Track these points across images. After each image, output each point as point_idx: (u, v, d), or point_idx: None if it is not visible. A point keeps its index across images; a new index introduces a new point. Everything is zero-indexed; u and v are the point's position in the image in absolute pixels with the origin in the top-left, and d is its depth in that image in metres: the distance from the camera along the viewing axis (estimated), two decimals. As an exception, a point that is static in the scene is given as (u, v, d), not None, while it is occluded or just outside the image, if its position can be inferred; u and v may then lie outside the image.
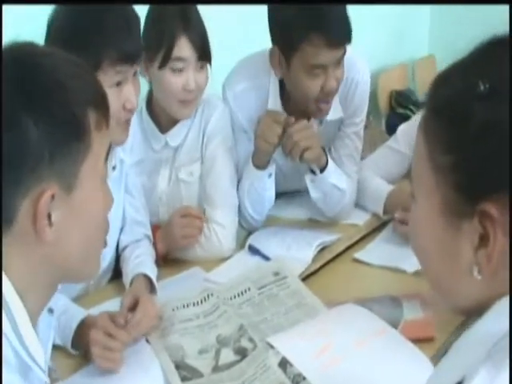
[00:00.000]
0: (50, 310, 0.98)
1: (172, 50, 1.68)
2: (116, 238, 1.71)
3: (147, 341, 1.41)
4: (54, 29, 1.41)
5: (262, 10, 1.78)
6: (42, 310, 0.93)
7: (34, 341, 0.87)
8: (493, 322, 0.72)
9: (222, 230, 1.79)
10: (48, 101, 0.83)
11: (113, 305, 1.54)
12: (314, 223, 2.00)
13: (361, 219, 1.98)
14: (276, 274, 1.56)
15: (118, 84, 1.39)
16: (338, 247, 1.80)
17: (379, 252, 1.79)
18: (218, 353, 1.33)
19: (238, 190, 1.88)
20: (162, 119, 1.84)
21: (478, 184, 0.70)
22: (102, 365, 1.31)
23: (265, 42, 1.81)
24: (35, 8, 1.80)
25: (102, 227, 0.95)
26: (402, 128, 2.07)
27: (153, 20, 1.70)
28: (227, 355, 1.32)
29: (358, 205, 2.04)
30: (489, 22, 4.61)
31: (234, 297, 1.49)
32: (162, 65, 1.69)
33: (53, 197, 0.83)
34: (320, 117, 1.85)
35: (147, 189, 1.84)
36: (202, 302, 1.48)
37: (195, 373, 1.29)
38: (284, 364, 1.24)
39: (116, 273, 1.73)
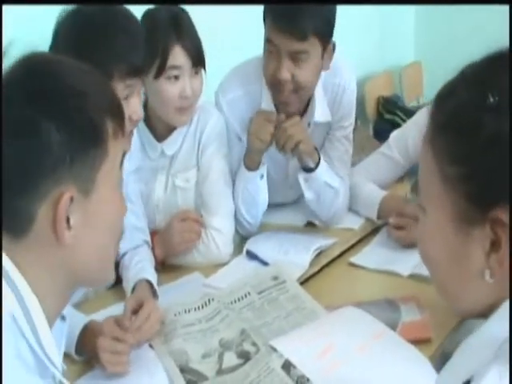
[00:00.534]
0: (63, 317, 0.99)
1: (167, 60, 1.70)
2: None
3: (150, 346, 1.43)
4: (60, 42, 1.42)
5: (258, 12, 1.81)
6: (57, 315, 0.95)
7: (51, 343, 0.89)
8: (499, 324, 0.75)
9: (219, 235, 1.82)
10: (68, 106, 0.86)
11: (113, 311, 1.55)
12: (310, 229, 2.03)
13: (355, 223, 2.01)
14: (275, 278, 1.59)
15: (126, 97, 1.42)
16: (334, 251, 1.83)
17: (374, 256, 1.82)
18: (221, 356, 1.36)
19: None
20: (157, 128, 1.86)
21: (489, 192, 0.73)
22: (111, 369, 1.33)
23: (259, 45, 1.83)
24: (35, 8, 1.82)
25: (116, 232, 0.97)
26: (395, 135, 2.10)
27: (146, 31, 1.72)
28: (230, 359, 1.34)
29: (352, 210, 2.07)
30: (474, 29, 4.68)
31: (235, 301, 1.51)
32: (158, 75, 1.71)
33: (71, 199, 0.86)
34: (284, 110, 1.82)
35: (144, 196, 1.86)
36: (203, 306, 1.50)
37: (200, 376, 1.31)
38: (287, 366, 1.26)
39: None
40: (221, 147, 1.89)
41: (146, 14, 1.75)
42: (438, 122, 0.80)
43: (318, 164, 1.87)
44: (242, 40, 2.32)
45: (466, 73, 0.79)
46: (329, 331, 1.34)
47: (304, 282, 1.68)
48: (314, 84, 1.82)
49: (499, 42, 0.79)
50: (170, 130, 1.86)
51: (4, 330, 0.82)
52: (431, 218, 0.81)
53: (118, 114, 0.93)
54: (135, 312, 1.44)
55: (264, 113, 1.83)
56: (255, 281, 1.58)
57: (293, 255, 1.76)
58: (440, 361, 1.42)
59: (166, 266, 1.81)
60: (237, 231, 1.94)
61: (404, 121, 3.89)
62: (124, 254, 1.72)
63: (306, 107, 1.92)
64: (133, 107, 1.43)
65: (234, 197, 1.91)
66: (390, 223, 1.88)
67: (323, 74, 1.85)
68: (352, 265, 1.80)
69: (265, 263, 1.75)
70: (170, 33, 1.70)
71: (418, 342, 1.35)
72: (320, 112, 1.91)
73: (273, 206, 2.03)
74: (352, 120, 2.02)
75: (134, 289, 1.58)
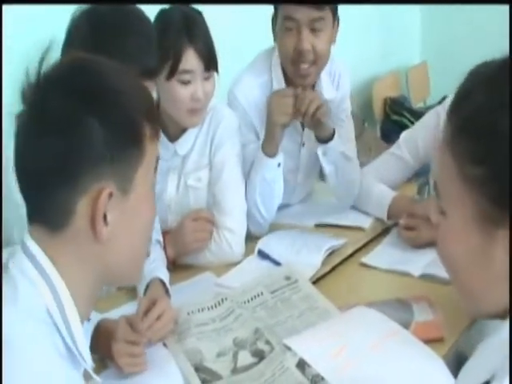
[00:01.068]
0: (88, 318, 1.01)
1: (179, 63, 1.71)
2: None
3: (164, 345, 1.44)
4: (73, 41, 1.43)
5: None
6: (88, 313, 0.96)
7: (83, 340, 0.90)
8: None
9: (232, 235, 1.82)
10: (111, 104, 0.88)
11: (125, 310, 1.55)
12: (321, 229, 2.04)
13: (365, 222, 2.03)
14: (287, 278, 1.59)
15: None
16: (345, 251, 1.84)
17: (385, 256, 1.83)
18: (235, 355, 1.36)
19: (246, 192, 1.92)
20: (169, 128, 1.87)
21: (510, 194, 0.73)
22: (130, 371, 1.34)
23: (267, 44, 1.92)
24: (35, 8, 1.82)
25: (148, 234, 1.00)
26: (404, 135, 2.11)
27: (158, 32, 1.73)
28: (245, 357, 1.35)
29: (362, 210, 2.09)
30: (480, 30, 4.68)
31: (248, 301, 1.52)
32: (170, 77, 1.72)
33: (110, 195, 0.87)
34: (302, 82, 1.93)
35: (156, 196, 1.86)
36: (216, 306, 1.51)
37: (214, 375, 1.32)
38: (302, 365, 1.27)
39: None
40: (234, 147, 1.90)
41: (160, 15, 1.76)
42: (456, 124, 0.80)
43: (333, 134, 1.95)
44: (253, 39, 2.33)
45: (481, 74, 0.80)
46: (342, 331, 1.35)
47: (316, 281, 1.69)
48: (329, 55, 1.94)
49: (504, 43, 0.80)
50: (183, 130, 1.87)
51: (38, 323, 0.84)
52: (452, 219, 0.81)
53: (154, 117, 0.95)
54: (148, 312, 1.45)
55: (280, 90, 1.93)
56: (268, 280, 1.59)
57: (305, 255, 1.77)
58: (453, 360, 1.43)
59: (178, 266, 1.81)
60: (248, 231, 1.94)
61: (411, 122, 3.90)
62: (136, 253, 1.73)
63: (313, 87, 2.02)
64: None
65: (249, 192, 1.93)
66: (400, 224, 1.89)
67: None
68: (363, 265, 1.81)
69: (277, 263, 1.76)
70: (183, 35, 1.71)
71: (431, 342, 1.35)
72: (326, 89, 2.03)
73: (281, 206, 2.05)
74: (349, 102, 2.17)
75: (146, 288, 1.58)
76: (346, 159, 2.02)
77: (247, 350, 1.37)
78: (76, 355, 0.89)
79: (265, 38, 1.98)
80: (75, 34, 1.44)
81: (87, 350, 0.92)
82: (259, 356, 1.35)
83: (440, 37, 4.69)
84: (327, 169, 2.00)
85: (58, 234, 0.89)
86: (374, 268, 1.78)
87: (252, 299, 1.53)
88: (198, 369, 1.34)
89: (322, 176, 2.14)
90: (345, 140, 2.07)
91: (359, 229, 2.00)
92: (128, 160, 0.89)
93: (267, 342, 1.38)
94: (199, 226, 1.80)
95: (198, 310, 1.50)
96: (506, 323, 0.77)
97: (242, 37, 3.00)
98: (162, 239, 1.80)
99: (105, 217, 0.88)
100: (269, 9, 1.93)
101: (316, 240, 1.86)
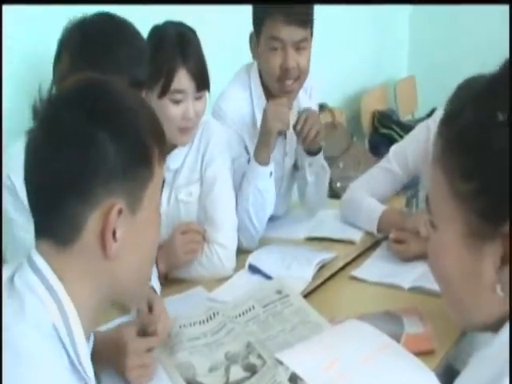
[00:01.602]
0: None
1: (171, 83, 1.72)
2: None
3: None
4: (65, 50, 1.44)
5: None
6: (91, 330, 0.97)
7: (87, 355, 0.91)
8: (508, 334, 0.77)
9: (223, 250, 1.83)
10: (123, 121, 0.90)
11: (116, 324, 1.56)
12: (311, 242, 2.06)
13: (356, 235, 2.04)
14: (279, 292, 1.59)
15: None
16: (336, 265, 1.86)
17: (375, 269, 1.85)
18: (227, 370, 1.36)
19: (237, 204, 1.93)
20: (161, 142, 1.88)
21: (501, 208, 0.74)
22: (142, 382, 1.34)
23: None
24: (35, 8, 1.83)
25: (152, 254, 1.01)
26: (394, 149, 2.13)
27: (152, 48, 1.74)
28: (237, 372, 1.35)
29: (352, 224, 2.10)
30: (468, 43, 4.71)
31: (240, 315, 1.52)
32: (162, 95, 1.74)
33: (120, 212, 0.88)
34: (285, 94, 2.01)
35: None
36: (207, 320, 1.51)
37: (207, 390, 1.32)
38: (294, 379, 1.26)
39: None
40: (225, 162, 1.91)
41: (154, 31, 1.77)
42: (447, 140, 0.81)
43: (321, 148, 2.06)
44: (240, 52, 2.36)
45: (470, 90, 0.81)
46: (334, 344, 1.35)
47: (307, 295, 1.70)
48: (309, 70, 2.04)
49: (494, 59, 0.81)
50: (174, 144, 1.87)
51: (45, 337, 0.85)
52: (443, 234, 0.82)
53: (163, 141, 0.98)
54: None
55: (275, 100, 1.99)
56: (259, 295, 1.59)
57: (296, 269, 1.78)
58: (443, 373, 1.44)
59: (169, 280, 1.81)
60: (239, 245, 1.94)
61: (400, 135, 3.93)
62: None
63: None
64: None
65: (240, 203, 1.95)
66: (390, 237, 1.91)
67: None
68: (354, 278, 1.82)
69: (268, 277, 1.77)
70: (176, 54, 1.72)
71: (422, 354, 1.36)
72: (302, 99, 2.15)
73: (268, 218, 2.05)
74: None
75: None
76: (325, 170, 2.15)
77: (239, 365, 1.38)
78: (80, 370, 0.89)
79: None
80: (67, 44, 1.46)
81: (90, 365, 0.93)
82: (251, 370, 1.35)
83: (427, 51, 4.73)
84: (310, 179, 2.11)
85: (65, 249, 0.90)
86: (365, 281, 1.80)
87: (244, 313, 1.53)
88: (191, 383, 1.34)
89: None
90: None
91: (349, 242, 2.02)
92: (139, 179, 0.91)
93: (259, 357, 1.38)
94: (189, 238, 1.81)
95: (190, 324, 1.50)
96: (498, 335, 0.78)
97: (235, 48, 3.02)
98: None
99: (114, 233, 0.89)
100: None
101: (306, 254, 1.87)
